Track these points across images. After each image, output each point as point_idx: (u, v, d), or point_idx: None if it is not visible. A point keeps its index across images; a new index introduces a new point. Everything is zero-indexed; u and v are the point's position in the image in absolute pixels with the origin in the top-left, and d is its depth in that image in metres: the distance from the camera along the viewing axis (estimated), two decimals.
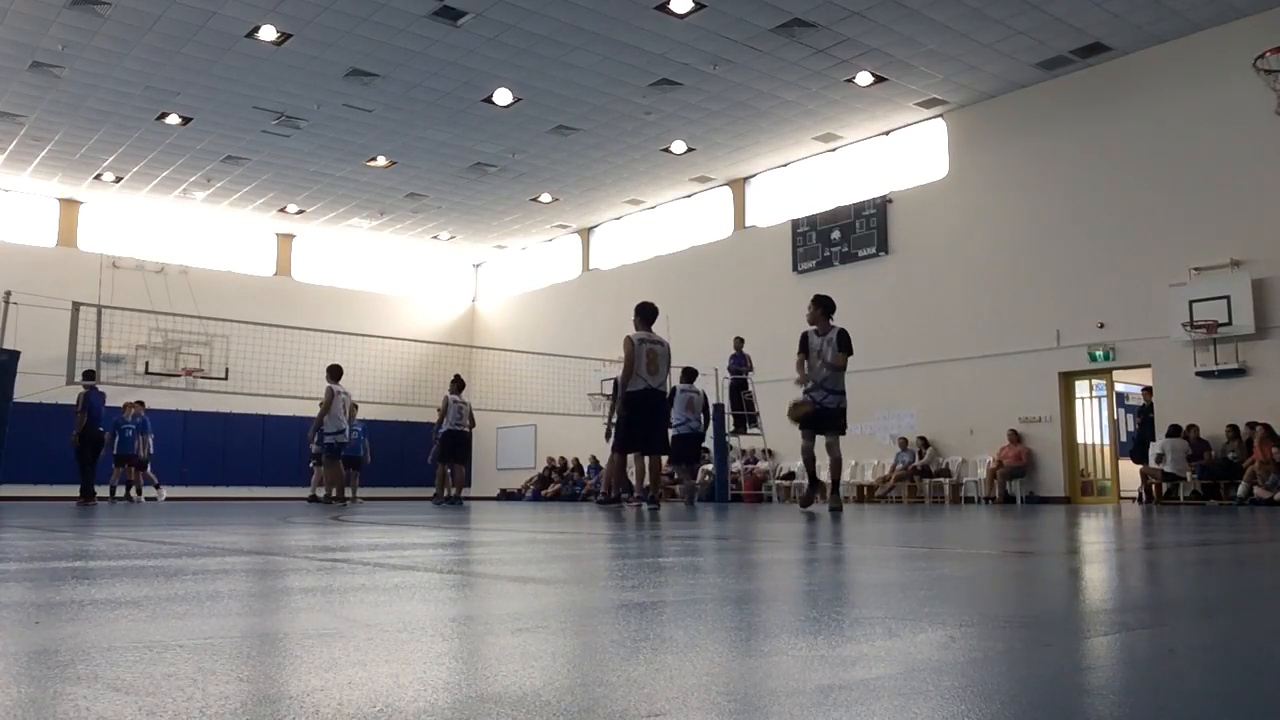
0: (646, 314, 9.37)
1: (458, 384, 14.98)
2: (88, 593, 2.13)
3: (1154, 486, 14.03)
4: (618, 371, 9.69)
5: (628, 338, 9.22)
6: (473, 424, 15.13)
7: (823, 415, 8.68)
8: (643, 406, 9.16)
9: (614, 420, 10.80)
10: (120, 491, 17.87)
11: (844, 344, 8.70)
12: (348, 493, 17.66)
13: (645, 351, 9.20)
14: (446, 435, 14.70)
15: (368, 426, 18.69)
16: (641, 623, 1.65)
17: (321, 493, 15.04)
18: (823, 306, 8.94)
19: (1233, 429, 13.42)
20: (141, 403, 18.09)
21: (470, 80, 16.00)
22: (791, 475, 18.47)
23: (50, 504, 13.85)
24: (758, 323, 18.36)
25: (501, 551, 3.82)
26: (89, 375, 13.88)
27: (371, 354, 16.81)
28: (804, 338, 8.85)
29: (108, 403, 14.90)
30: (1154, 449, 14.13)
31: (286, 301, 23.32)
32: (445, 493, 14.72)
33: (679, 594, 2.14)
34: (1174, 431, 13.89)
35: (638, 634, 1.51)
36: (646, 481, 9.40)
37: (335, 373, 13.83)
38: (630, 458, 9.71)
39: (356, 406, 14.22)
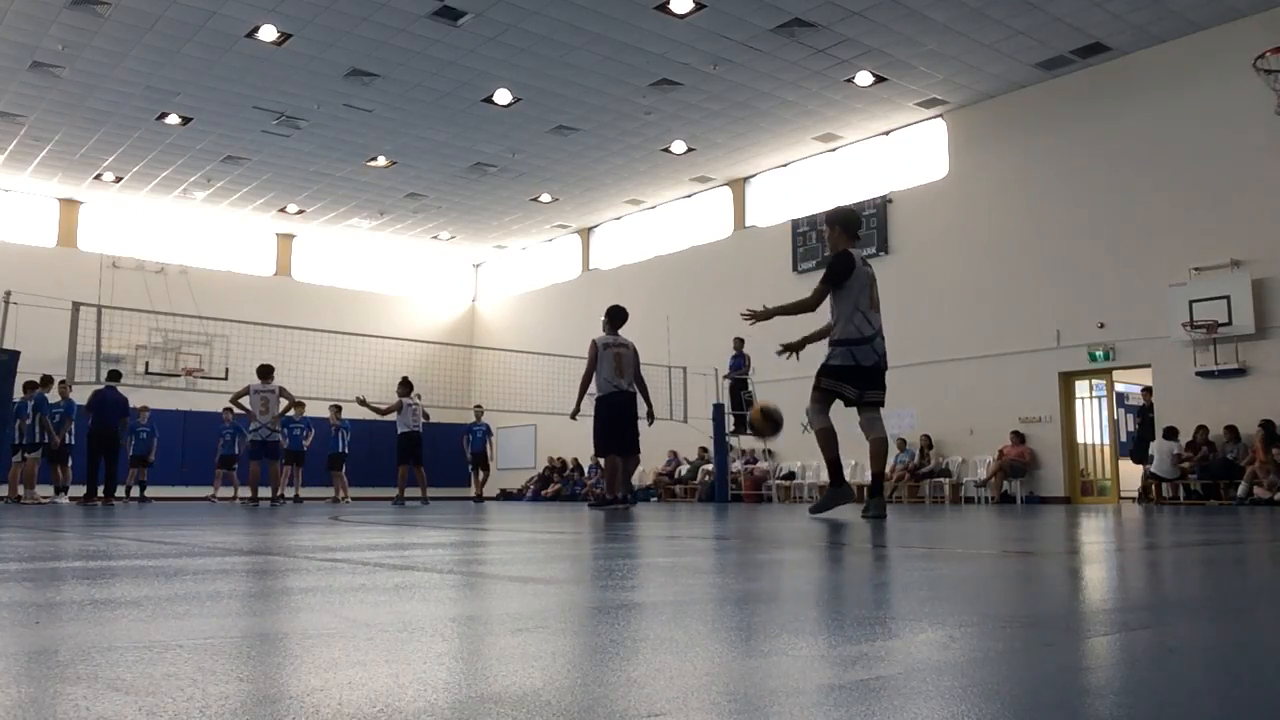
0: (615, 317, 9.63)
1: (406, 385, 15.10)
2: (88, 593, 2.13)
3: (1151, 486, 14.04)
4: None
5: (592, 341, 9.52)
6: (427, 418, 15.46)
7: (878, 376, 6.41)
8: (614, 409, 9.40)
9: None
10: (135, 492, 17.99)
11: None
12: (339, 493, 17.65)
13: (611, 355, 9.42)
14: (403, 438, 14.93)
15: (336, 424, 18.54)
16: (642, 623, 1.65)
17: (288, 492, 15.25)
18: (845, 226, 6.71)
19: (1230, 430, 13.41)
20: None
21: (470, 80, 16.00)
22: (791, 475, 18.47)
23: (48, 503, 13.84)
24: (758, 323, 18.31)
25: (501, 551, 3.82)
26: (112, 376, 14.28)
27: (371, 354, 16.81)
28: (847, 259, 6.46)
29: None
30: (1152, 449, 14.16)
31: (286, 301, 23.31)
32: (404, 494, 14.86)
33: (679, 594, 2.14)
34: (1170, 434, 13.91)
35: (638, 634, 1.51)
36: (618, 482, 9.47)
37: (259, 371, 13.83)
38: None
39: (301, 405, 14.37)
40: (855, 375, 6.35)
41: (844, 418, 6.52)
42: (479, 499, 17.51)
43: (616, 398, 9.42)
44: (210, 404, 21.44)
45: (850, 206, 6.95)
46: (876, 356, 6.39)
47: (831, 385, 6.37)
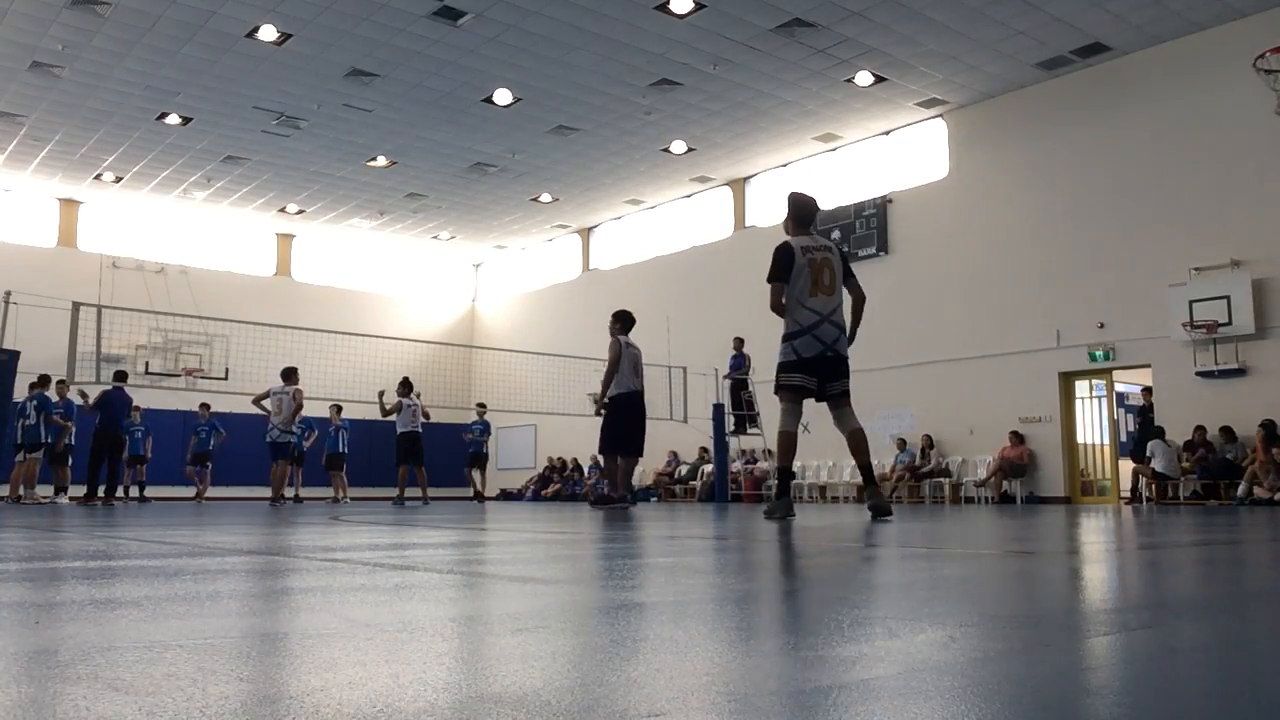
0: (627, 321, 9.81)
1: (406, 385, 15.13)
2: (88, 593, 2.13)
3: (1148, 485, 14.02)
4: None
5: (615, 340, 9.65)
6: (427, 417, 15.46)
7: (830, 366, 6.15)
8: (632, 409, 9.55)
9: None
10: (134, 492, 18.00)
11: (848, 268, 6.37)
12: (339, 493, 17.63)
13: (630, 355, 9.62)
14: (402, 438, 14.94)
15: (336, 424, 18.48)
16: (641, 623, 1.65)
17: (287, 493, 15.29)
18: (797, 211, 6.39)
19: (1227, 431, 13.39)
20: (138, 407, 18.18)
21: (470, 80, 16.00)
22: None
23: (48, 503, 13.84)
24: (758, 323, 18.32)
25: (501, 551, 3.82)
26: (118, 376, 14.47)
27: (371, 354, 16.82)
28: (785, 251, 6.16)
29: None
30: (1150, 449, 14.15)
31: (286, 301, 23.32)
32: (404, 494, 14.84)
33: (679, 594, 2.14)
34: (1162, 433, 13.91)
35: (638, 634, 1.51)
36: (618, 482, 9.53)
37: (282, 374, 13.84)
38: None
39: (300, 406, 14.32)
40: (807, 367, 6.12)
41: (829, 418, 6.55)
42: (480, 498, 17.51)
43: (632, 398, 9.56)
44: (211, 404, 21.46)
45: (802, 193, 6.50)
46: (821, 346, 6.10)
47: (789, 381, 6.17)
